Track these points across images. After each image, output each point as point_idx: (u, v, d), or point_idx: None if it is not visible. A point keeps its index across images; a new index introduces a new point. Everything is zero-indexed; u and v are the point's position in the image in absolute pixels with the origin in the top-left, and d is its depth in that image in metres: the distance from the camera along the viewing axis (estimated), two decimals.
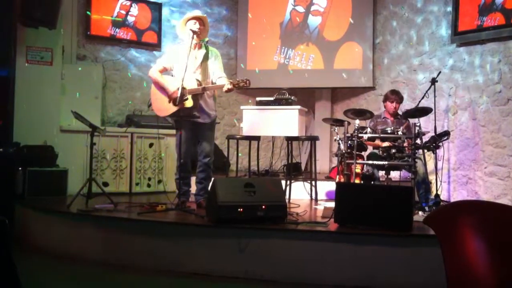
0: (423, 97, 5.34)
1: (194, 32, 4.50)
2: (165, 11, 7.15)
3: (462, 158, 5.72)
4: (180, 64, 4.56)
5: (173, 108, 4.53)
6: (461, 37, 5.72)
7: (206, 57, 4.66)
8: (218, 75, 4.65)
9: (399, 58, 6.83)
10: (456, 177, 5.81)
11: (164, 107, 4.60)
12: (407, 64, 6.71)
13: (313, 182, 5.73)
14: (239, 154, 6.33)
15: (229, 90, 4.47)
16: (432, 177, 5.36)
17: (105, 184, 5.75)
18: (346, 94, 7.53)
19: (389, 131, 4.83)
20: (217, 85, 4.57)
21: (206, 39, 4.75)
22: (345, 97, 7.55)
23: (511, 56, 5.20)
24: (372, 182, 5.13)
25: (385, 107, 5.54)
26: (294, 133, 5.39)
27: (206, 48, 4.70)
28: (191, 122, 4.61)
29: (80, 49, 6.50)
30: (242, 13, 7.59)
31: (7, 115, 5.50)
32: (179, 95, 4.35)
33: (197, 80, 4.52)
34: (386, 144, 4.97)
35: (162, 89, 4.61)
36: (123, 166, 5.96)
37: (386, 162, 4.83)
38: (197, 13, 4.68)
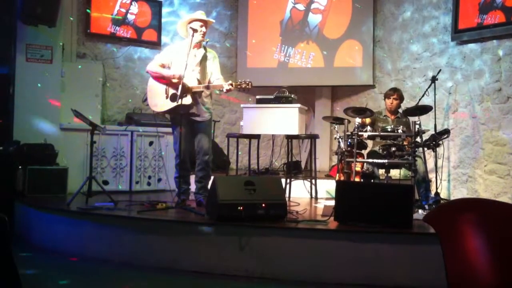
0: (423, 95, 5.33)
1: (194, 30, 4.49)
2: (165, 9, 7.14)
3: (462, 156, 5.72)
4: (178, 61, 4.57)
5: (170, 104, 4.53)
6: (461, 35, 5.71)
7: (204, 58, 4.68)
8: (216, 77, 4.70)
9: (399, 56, 6.82)
10: (456, 175, 5.81)
11: (160, 103, 4.60)
12: (407, 62, 6.70)
13: (313, 181, 5.74)
14: (239, 153, 6.33)
15: (228, 91, 4.55)
16: (432, 175, 5.36)
17: (105, 182, 5.74)
18: (346, 92, 7.52)
19: (389, 129, 4.83)
20: (220, 84, 4.59)
21: (207, 39, 4.79)
22: (345, 95, 7.53)
23: (511, 54, 5.19)
24: (372, 180, 5.13)
25: (385, 104, 5.54)
26: (294, 131, 5.39)
27: (205, 49, 4.72)
28: (188, 120, 4.61)
29: (80, 47, 6.49)
30: (242, 11, 7.58)
31: (7, 113, 5.50)
32: (179, 92, 4.35)
33: (197, 79, 4.54)
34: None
35: (162, 78, 4.60)
36: (123, 164, 5.96)
37: (386, 160, 4.83)
38: (203, 16, 4.69)
